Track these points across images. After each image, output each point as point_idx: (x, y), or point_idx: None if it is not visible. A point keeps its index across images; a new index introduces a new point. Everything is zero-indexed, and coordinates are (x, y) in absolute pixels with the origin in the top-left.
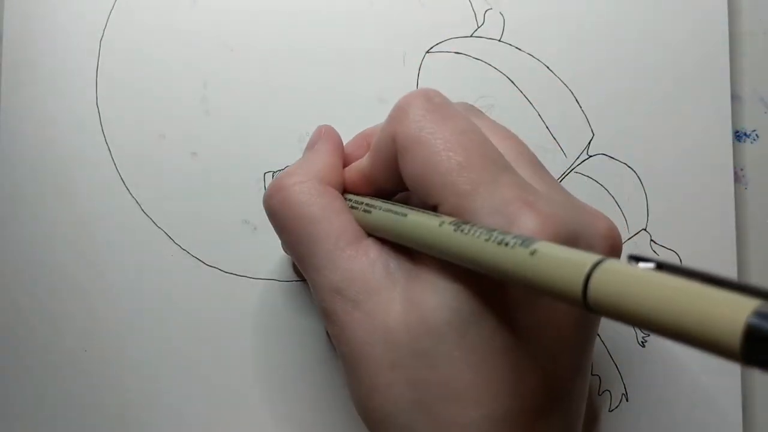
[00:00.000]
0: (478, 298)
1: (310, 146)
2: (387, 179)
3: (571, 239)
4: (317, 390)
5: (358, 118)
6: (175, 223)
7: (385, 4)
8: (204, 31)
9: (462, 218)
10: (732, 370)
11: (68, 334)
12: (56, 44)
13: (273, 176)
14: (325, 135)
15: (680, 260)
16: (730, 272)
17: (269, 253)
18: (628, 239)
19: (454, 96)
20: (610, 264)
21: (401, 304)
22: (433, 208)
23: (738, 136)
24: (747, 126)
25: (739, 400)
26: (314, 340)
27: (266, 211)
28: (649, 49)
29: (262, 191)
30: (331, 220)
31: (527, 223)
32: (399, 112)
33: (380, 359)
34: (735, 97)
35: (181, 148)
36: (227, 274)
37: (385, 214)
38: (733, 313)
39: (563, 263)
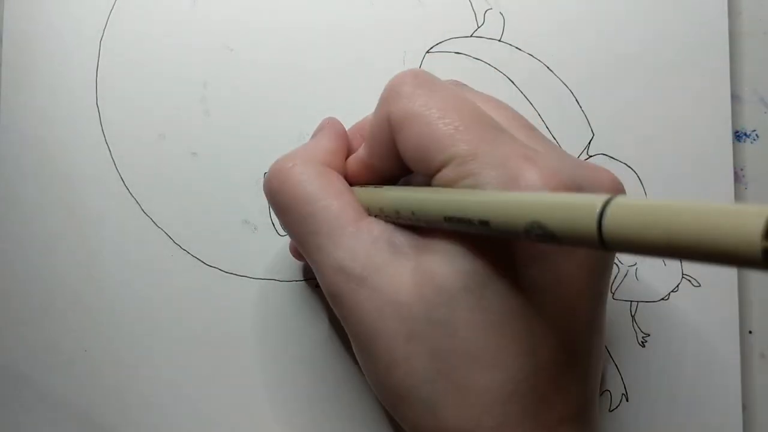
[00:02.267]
0: (492, 261)
1: (314, 135)
2: (386, 163)
3: (576, 192)
4: (317, 390)
5: (358, 118)
6: (175, 223)
7: (385, 4)
8: (204, 31)
9: (465, 180)
10: (732, 369)
11: (68, 333)
12: (56, 44)
13: None
14: (328, 124)
15: (680, 261)
16: (730, 272)
17: (269, 253)
18: None
19: None
20: (621, 199)
21: (412, 277)
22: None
23: (738, 136)
24: (747, 126)
25: (739, 400)
26: (314, 339)
27: (266, 194)
28: (648, 49)
29: (262, 191)
30: (330, 198)
31: (530, 176)
32: (390, 92)
33: (395, 333)
34: (735, 97)
35: (181, 148)
36: (227, 274)
37: (396, 191)
38: (752, 218)
39: (574, 206)
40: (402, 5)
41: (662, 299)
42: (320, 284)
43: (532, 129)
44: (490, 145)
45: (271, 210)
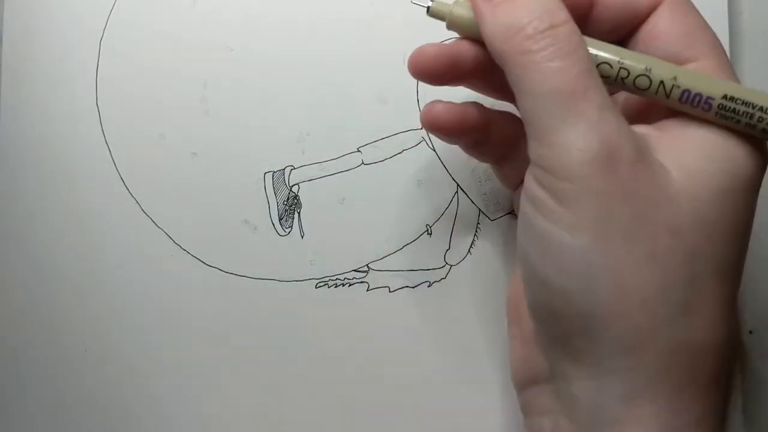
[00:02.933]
0: (753, 165)
1: None
2: (611, 9)
3: None
4: (317, 389)
5: (358, 118)
6: (175, 223)
7: (386, 3)
8: (204, 31)
9: (696, 63)
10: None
11: (68, 333)
12: (56, 44)
13: (273, 176)
14: None
15: None
16: None
17: (269, 253)
18: None
19: (453, 96)
20: None
21: (679, 171)
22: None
23: None
24: None
25: (739, 400)
26: (314, 339)
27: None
28: None
29: (262, 191)
30: (596, 105)
31: None
32: None
33: (661, 224)
34: None
35: (181, 148)
36: (227, 274)
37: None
38: None
39: None
40: (402, 5)
41: None
42: (569, 150)
43: None
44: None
45: (271, 209)
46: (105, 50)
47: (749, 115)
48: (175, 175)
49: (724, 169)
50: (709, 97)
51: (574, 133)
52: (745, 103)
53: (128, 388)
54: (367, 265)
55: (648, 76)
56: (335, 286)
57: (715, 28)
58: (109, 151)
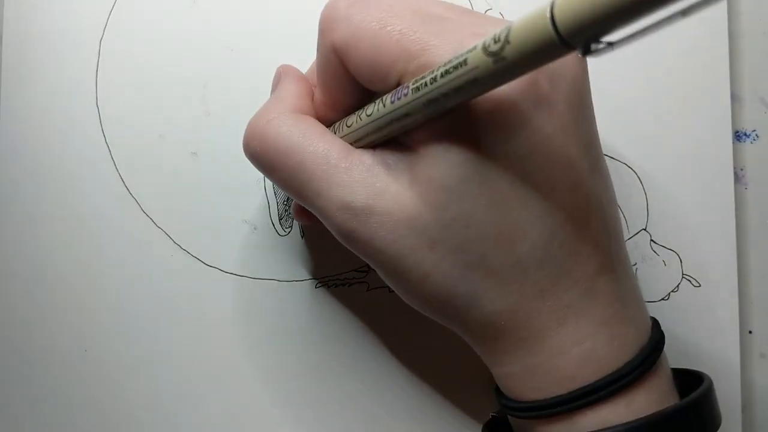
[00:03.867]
0: (477, 147)
1: (274, 87)
2: (346, 93)
3: None
4: (317, 389)
5: None
6: (175, 223)
7: None
8: (204, 31)
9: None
10: (732, 369)
11: (68, 333)
12: (56, 44)
13: None
14: (285, 71)
15: (680, 260)
16: (730, 272)
17: (269, 253)
18: (628, 239)
19: None
20: None
21: (413, 189)
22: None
23: (738, 136)
24: (747, 126)
25: (738, 400)
26: (313, 339)
27: (249, 158)
28: (648, 49)
29: (263, 191)
30: (314, 142)
31: None
32: (326, 21)
33: (417, 247)
34: (735, 97)
35: (181, 148)
36: (227, 274)
37: (364, 117)
38: None
39: (527, 19)
40: None
41: (662, 299)
42: (330, 229)
43: (473, 13)
44: (437, 36)
45: (271, 210)
46: (105, 50)
47: (461, 92)
48: (175, 175)
49: (452, 163)
50: (418, 110)
51: (320, 199)
52: (446, 92)
53: (127, 387)
54: (367, 264)
55: (381, 129)
56: (335, 286)
57: (715, 28)
58: (109, 151)
